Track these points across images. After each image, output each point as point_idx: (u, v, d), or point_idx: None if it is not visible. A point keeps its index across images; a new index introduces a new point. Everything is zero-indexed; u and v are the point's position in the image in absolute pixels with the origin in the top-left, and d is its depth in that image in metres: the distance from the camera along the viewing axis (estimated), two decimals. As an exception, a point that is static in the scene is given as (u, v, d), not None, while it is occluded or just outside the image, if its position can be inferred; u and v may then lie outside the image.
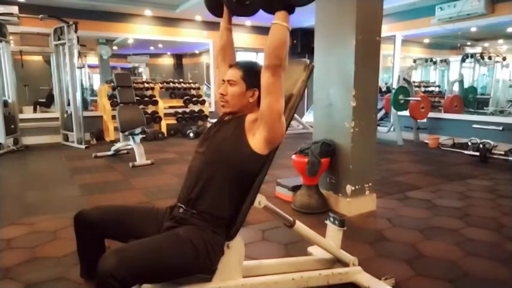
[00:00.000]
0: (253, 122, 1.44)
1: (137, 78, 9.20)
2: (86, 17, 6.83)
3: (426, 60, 9.61)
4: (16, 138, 5.97)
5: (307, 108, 9.10)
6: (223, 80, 1.55)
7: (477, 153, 5.02)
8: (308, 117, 8.28)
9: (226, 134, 1.49)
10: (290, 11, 1.35)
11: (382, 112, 7.15)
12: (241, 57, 9.27)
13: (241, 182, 1.45)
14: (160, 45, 10.73)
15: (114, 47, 9.78)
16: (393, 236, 2.51)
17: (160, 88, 7.73)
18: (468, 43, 8.96)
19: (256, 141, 1.43)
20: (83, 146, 6.10)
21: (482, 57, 8.07)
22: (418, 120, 6.54)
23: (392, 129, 6.68)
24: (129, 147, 5.09)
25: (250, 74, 1.50)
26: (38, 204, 3.24)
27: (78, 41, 6.06)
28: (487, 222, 2.76)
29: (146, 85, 7.53)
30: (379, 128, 6.28)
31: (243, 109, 1.52)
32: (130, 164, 4.63)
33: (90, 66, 9.84)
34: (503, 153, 4.90)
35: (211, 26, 8.33)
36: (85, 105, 7.60)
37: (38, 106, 7.61)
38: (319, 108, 3.19)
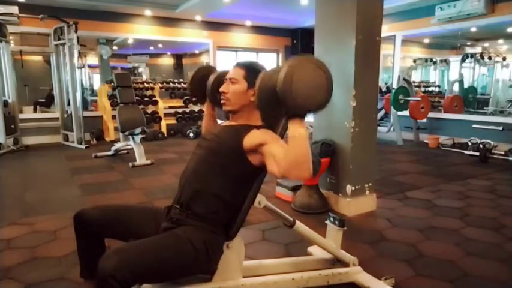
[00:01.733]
0: (256, 146, 1.38)
1: (137, 78, 9.18)
2: (86, 17, 6.83)
3: (426, 60, 9.61)
4: (16, 138, 5.97)
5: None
6: (226, 78, 1.56)
7: (477, 153, 5.02)
8: (308, 117, 8.27)
9: (223, 140, 1.49)
10: (303, 116, 1.26)
11: (382, 112, 7.15)
12: (241, 57, 9.29)
13: (237, 186, 1.45)
14: (160, 45, 10.72)
15: (114, 47, 9.77)
16: (393, 236, 2.51)
17: (160, 88, 7.73)
18: (468, 43, 8.96)
19: (255, 158, 1.41)
20: (83, 146, 6.10)
21: (482, 57, 8.06)
22: (418, 120, 6.54)
23: (392, 129, 6.68)
24: (129, 147, 5.09)
25: (252, 73, 1.51)
26: (38, 204, 3.24)
27: (78, 41, 6.06)
28: (487, 222, 2.75)
29: (146, 85, 7.53)
30: (379, 128, 6.28)
31: (243, 108, 1.52)
32: (130, 164, 4.63)
33: (90, 66, 9.82)
34: (503, 153, 4.90)
35: (211, 26, 8.33)
36: (85, 105, 7.59)
37: (38, 106, 7.61)
38: (319, 108, 3.19)
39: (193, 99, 1.79)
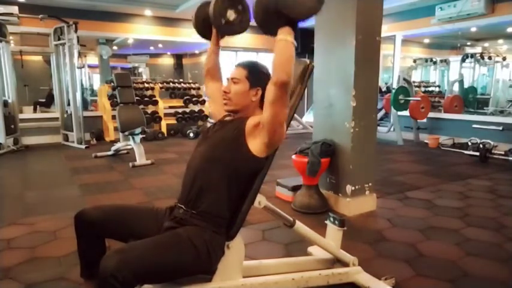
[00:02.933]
0: (255, 126, 1.43)
1: (137, 78, 9.20)
2: (86, 17, 6.83)
3: (426, 60, 9.62)
4: (16, 138, 5.97)
5: (307, 108, 9.10)
6: (227, 78, 1.55)
7: (477, 153, 5.02)
8: (308, 117, 8.28)
9: (225, 134, 1.49)
10: (293, 26, 1.34)
11: (382, 112, 7.16)
12: (241, 57, 9.29)
13: (240, 182, 1.45)
14: (160, 45, 10.73)
15: (114, 47, 9.78)
16: (393, 236, 2.51)
17: (160, 88, 7.73)
18: (468, 43, 8.97)
19: (256, 144, 1.43)
20: (83, 146, 6.10)
21: (482, 57, 8.07)
22: (418, 120, 6.54)
23: (392, 129, 6.68)
24: (129, 147, 5.09)
25: (254, 73, 1.52)
26: (38, 204, 3.24)
27: (78, 41, 6.06)
28: (487, 222, 2.75)
29: (146, 85, 7.53)
30: (379, 128, 6.28)
31: (245, 108, 1.52)
32: (130, 164, 4.63)
33: (90, 66, 9.84)
34: (503, 153, 4.90)
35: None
36: (85, 105, 7.59)
37: (38, 106, 7.62)
38: (319, 108, 3.19)
39: (199, 35, 1.83)
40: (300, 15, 1.32)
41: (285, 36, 1.33)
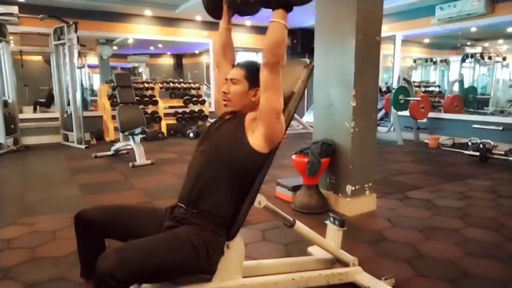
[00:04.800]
0: (253, 120, 1.45)
1: (137, 78, 9.20)
2: (86, 17, 6.83)
3: (426, 60, 9.62)
4: (16, 138, 5.97)
5: (307, 108, 9.10)
6: (226, 79, 1.55)
7: (477, 153, 5.02)
8: (308, 117, 8.29)
9: (226, 132, 1.50)
10: (287, 9, 1.37)
11: (382, 112, 7.15)
12: (241, 57, 9.28)
13: (241, 181, 1.45)
14: (160, 45, 10.73)
15: (114, 47, 9.79)
16: (393, 236, 2.51)
17: (160, 88, 7.73)
18: (468, 43, 8.96)
19: (256, 138, 1.43)
20: (83, 146, 6.10)
21: (482, 57, 8.07)
22: (418, 120, 6.54)
23: (392, 129, 6.68)
24: (129, 147, 5.09)
25: (253, 73, 1.51)
26: (38, 204, 3.24)
27: (78, 41, 6.06)
28: (487, 222, 2.75)
29: (146, 85, 7.53)
30: (379, 128, 6.29)
31: (245, 108, 1.53)
32: (130, 164, 4.63)
33: (90, 66, 9.84)
34: (503, 153, 4.90)
35: (211, 26, 8.32)
36: (85, 105, 7.60)
37: (38, 106, 7.62)
38: (319, 108, 3.19)
39: (210, 15, 1.75)
40: (296, 0, 1.36)
41: (279, 19, 1.35)
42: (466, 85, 7.98)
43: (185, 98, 7.84)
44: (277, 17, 1.36)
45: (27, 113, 6.97)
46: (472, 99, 7.87)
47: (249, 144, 1.43)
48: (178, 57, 13.12)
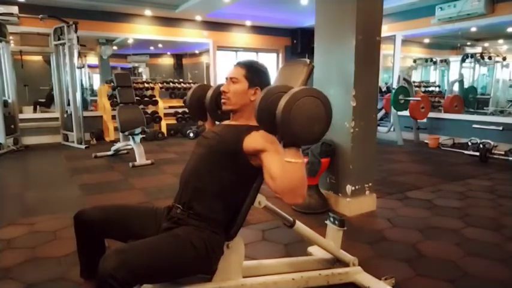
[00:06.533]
0: (256, 151, 1.39)
1: (137, 78, 9.19)
2: (86, 17, 6.83)
3: (426, 60, 9.62)
4: (16, 138, 5.97)
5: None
6: (226, 78, 1.56)
7: (477, 153, 5.02)
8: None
9: (224, 138, 1.48)
10: (299, 146, 1.27)
11: (382, 112, 7.15)
12: (241, 57, 9.28)
13: (237, 185, 1.45)
14: (160, 45, 10.72)
15: (114, 47, 9.78)
16: (393, 236, 2.51)
17: (160, 88, 7.73)
18: (468, 43, 8.96)
19: (254, 159, 1.41)
20: (83, 146, 6.10)
21: (482, 57, 8.07)
22: (418, 120, 6.54)
23: (392, 129, 6.68)
24: (129, 147, 5.09)
25: (253, 72, 1.52)
26: (38, 204, 3.24)
27: (78, 41, 6.06)
28: (487, 222, 2.75)
29: (146, 85, 7.53)
30: (379, 128, 6.28)
31: (244, 107, 1.53)
32: (130, 164, 4.63)
33: (90, 66, 9.83)
34: (503, 153, 4.90)
35: (211, 26, 8.33)
36: (85, 105, 7.59)
37: (38, 106, 7.61)
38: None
39: (195, 119, 1.94)
40: (307, 143, 1.31)
41: (294, 158, 1.24)
42: (466, 85, 7.98)
43: (185, 98, 7.81)
44: (291, 156, 1.24)
45: (27, 113, 6.97)
46: (472, 99, 7.87)
47: (247, 158, 1.42)
48: (178, 57, 13.11)
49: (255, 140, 1.40)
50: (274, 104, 1.23)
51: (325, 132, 1.25)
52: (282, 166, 1.26)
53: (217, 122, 1.76)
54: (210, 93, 1.69)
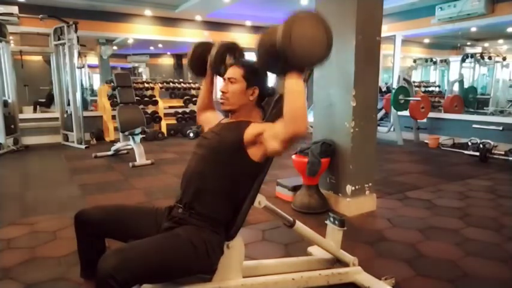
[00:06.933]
0: (256, 136, 1.41)
1: (137, 78, 9.21)
2: (86, 17, 6.83)
3: (426, 60, 9.63)
4: (16, 138, 5.97)
5: (307, 108, 9.09)
6: (224, 78, 1.56)
7: (477, 153, 5.02)
8: (308, 117, 8.28)
9: (223, 138, 1.49)
10: (301, 70, 1.26)
11: (382, 112, 7.16)
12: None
13: (238, 184, 1.45)
14: (160, 45, 10.74)
15: (114, 47, 9.79)
16: (393, 236, 2.51)
17: (160, 88, 7.73)
18: (468, 43, 8.98)
19: (254, 152, 1.43)
20: (83, 146, 6.09)
21: (482, 57, 8.07)
22: (418, 120, 6.54)
23: (392, 129, 6.68)
24: (129, 147, 5.09)
25: (251, 72, 1.52)
26: (38, 204, 3.24)
27: (78, 41, 6.06)
28: (487, 222, 2.75)
29: (146, 85, 7.53)
30: (379, 128, 6.28)
31: (243, 107, 1.53)
32: (130, 164, 4.63)
33: (90, 66, 9.85)
34: (503, 153, 4.90)
35: (212, 26, 8.34)
36: (85, 105, 7.60)
37: (38, 106, 7.62)
38: (319, 108, 3.19)
39: (193, 74, 1.89)
40: (310, 64, 1.29)
41: (296, 85, 1.25)
42: (466, 85, 7.99)
43: (185, 98, 7.83)
44: (294, 81, 1.24)
45: (27, 113, 6.98)
46: (472, 99, 7.87)
47: (248, 155, 1.43)
48: (178, 57, 13.13)
49: (253, 127, 1.44)
50: (272, 37, 1.22)
51: (326, 54, 1.25)
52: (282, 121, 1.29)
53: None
54: (215, 48, 1.64)
